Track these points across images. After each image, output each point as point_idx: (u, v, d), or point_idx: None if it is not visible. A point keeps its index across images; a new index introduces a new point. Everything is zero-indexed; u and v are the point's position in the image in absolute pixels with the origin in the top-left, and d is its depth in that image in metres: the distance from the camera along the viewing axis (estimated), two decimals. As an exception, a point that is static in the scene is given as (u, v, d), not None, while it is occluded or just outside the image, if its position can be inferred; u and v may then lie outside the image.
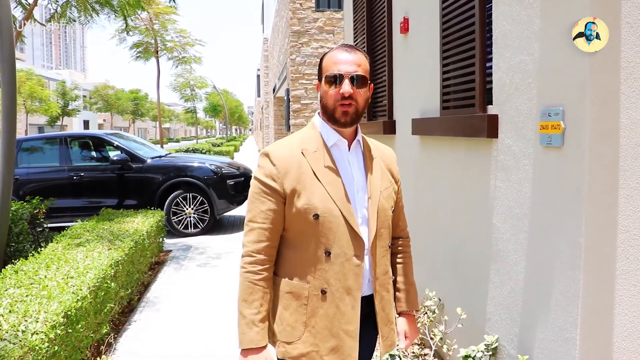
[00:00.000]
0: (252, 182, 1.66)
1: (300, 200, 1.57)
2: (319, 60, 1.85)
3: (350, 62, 1.60)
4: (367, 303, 1.68)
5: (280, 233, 1.66)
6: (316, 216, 1.56)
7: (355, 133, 1.70)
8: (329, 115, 1.63)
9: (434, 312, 3.18)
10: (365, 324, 1.69)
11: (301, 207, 1.57)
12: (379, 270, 1.69)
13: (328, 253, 1.58)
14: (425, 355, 3.32)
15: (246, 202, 7.38)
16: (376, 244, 1.66)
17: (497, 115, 2.49)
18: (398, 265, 1.87)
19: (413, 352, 3.30)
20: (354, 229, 1.59)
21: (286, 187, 1.58)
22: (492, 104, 2.58)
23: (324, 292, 1.59)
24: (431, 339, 3.09)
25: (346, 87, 1.58)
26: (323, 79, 1.64)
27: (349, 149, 1.68)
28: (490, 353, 2.45)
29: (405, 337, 1.82)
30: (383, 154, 1.79)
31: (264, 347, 1.59)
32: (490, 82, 2.61)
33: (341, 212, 1.58)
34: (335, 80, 1.59)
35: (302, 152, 1.62)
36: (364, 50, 5.33)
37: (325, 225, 1.57)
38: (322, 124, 1.68)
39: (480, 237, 2.70)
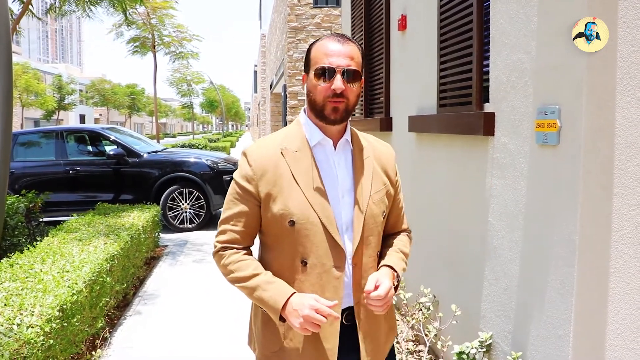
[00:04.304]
0: (232, 182, 1.57)
1: (276, 205, 1.45)
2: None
3: (343, 54, 1.44)
4: (349, 315, 1.53)
5: (255, 235, 1.57)
6: (292, 223, 1.44)
7: (343, 131, 1.55)
8: (317, 111, 1.49)
9: (428, 309, 3.19)
10: (347, 339, 1.52)
11: (276, 213, 1.45)
12: (365, 282, 1.49)
13: (304, 263, 1.46)
14: (419, 351, 3.33)
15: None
16: (362, 252, 1.51)
17: (493, 113, 2.50)
18: (390, 240, 1.67)
19: (407, 349, 3.32)
20: (333, 238, 1.45)
21: (261, 191, 1.47)
22: (488, 102, 2.59)
23: None
24: (426, 335, 3.11)
25: (338, 82, 1.43)
26: (312, 71, 1.48)
27: (335, 149, 1.53)
28: (484, 350, 2.46)
29: (375, 286, 1.42)
30: (379, 152, 1.63)
31: (293, 292, 1.43)
32: (487, 80, 2.61)
33: (320, 219, 1.44)
34: (325, 73, 1.44)
35: (281, 152, 1.49)
36: (362, 47, 5.32)
37: (301, 233, 1.44)
38: (307, 120, 1.55)
39: (475, 234, 2.71)
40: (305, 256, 1.46)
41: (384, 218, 1.59)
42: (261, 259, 1.59)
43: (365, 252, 1.52)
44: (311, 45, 1.55)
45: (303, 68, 1.60)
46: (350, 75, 1.45)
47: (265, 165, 1.47)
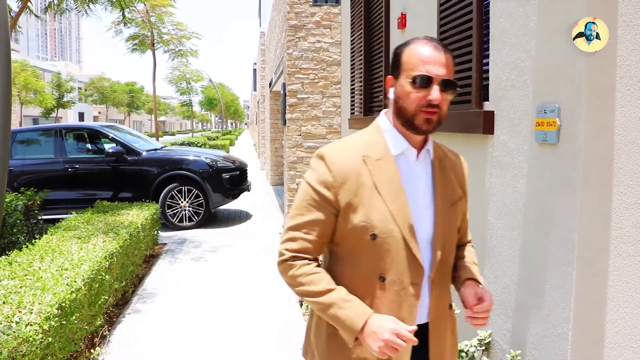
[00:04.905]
0: (304, 185, 1.46)
1: (357, 216, 1.37)
2: (394, 52, 1.46)
3: (440, 62, 1.37)
4: (421, 331, 1.46)
5: (326, 244, 1.47)
6: (373, 236, 1.37)
7: (426, 140, 1.47)
8: (406, 119, 1.39)
9: (427, 307, 3.19)
10: (414, 355, 1.46)
11: (357, 224, 1.37)
12: (442, 301, 1.48)
13: (383, 278, 1.39)
14: (418, 349, 3.33)
15: (241, 195, 7.32)
16: (439, 268, 1.45)
17: (493, 111, 2.50)
18: (459, 252, 1.63)
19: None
20: (413, 254, 1.39)
21: (341, 199, 1.38)
22: (488, 101, 2.59)
23: None
24: (425, 333, 3.11)
25: (435, 93, 1.35)
26: (404, 77, 1.39)
27: (417, 158, 1.46)
28: (484, 348, 2.47)
29: (478, 300, 1.45)
30: (453, 163, 1.56)
31: (371, 314, 1.35)
32: (487, 78, 2.61)
33: (402, 234, 1.37)
34: (420, 81, 1.35)
35: (363, 159, 1.40)
36: (361, 45, 5.33)
37: (382, 248, 1.37)
38: (390, 127, 1.45)
39: (474, 232, 2.71)
40: (384, 272, 1.39)
41: (458, 232, 1.54)
42: (329, 270, 1.49)
43: (442, 268, 1.47)
44: (401, 47, 1.47)
45: (391, 70, 1.49)
46: (445, 86, 1.37)
47: (347, 172, 1.39)
